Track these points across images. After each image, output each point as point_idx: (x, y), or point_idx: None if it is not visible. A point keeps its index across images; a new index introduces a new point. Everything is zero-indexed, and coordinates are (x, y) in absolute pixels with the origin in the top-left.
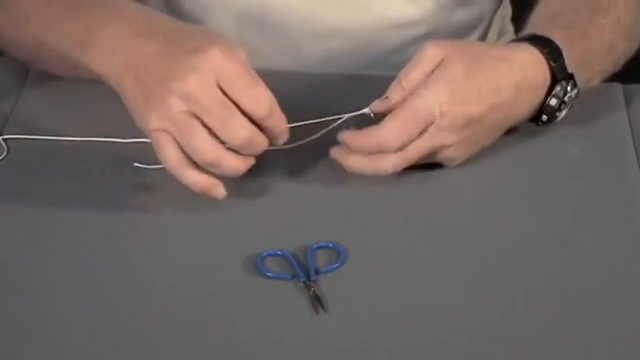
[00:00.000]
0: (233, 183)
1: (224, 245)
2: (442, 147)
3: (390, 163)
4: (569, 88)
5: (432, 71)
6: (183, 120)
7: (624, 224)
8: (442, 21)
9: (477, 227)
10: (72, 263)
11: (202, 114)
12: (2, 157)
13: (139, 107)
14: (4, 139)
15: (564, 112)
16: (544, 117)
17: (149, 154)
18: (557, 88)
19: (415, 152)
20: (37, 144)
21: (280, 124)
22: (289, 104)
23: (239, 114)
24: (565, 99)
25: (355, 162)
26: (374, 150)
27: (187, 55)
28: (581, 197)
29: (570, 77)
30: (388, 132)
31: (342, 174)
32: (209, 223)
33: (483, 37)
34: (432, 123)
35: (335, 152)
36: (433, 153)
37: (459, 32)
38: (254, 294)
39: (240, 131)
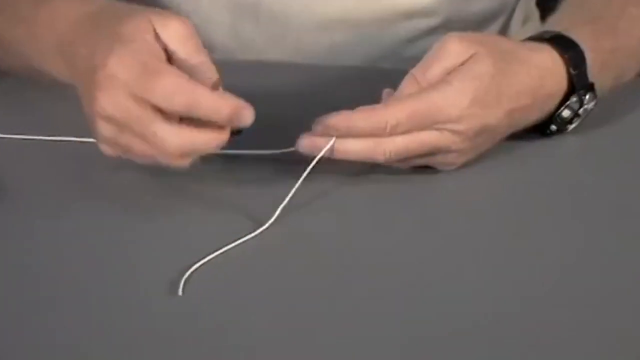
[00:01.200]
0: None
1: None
2: (446, 151)
3: (384, 149)
4: (586, 99)
5: (454, 68)
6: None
7: None
8: (459, 10)
9: (494, 230)
10: (34, 264)
11: (127, 132)
12: None
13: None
14: None
15: (575, 124)
16: (553, 127)
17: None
18: (573, 99)
19: (416, 144)
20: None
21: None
22: (290, 100)
23: (159, 122)
24: (580, 111)
25: (349, 145)
26: (367, 131)
27: (94, 75)
28: (608, 196)
29: (589, 88)
30: (391, 114)
31: (347, 178)
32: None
33: (505, 26)
34: (442, 122)
35: (314, 139)
36: (432, 154)
37: (478, 22)
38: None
39: (170, 141)
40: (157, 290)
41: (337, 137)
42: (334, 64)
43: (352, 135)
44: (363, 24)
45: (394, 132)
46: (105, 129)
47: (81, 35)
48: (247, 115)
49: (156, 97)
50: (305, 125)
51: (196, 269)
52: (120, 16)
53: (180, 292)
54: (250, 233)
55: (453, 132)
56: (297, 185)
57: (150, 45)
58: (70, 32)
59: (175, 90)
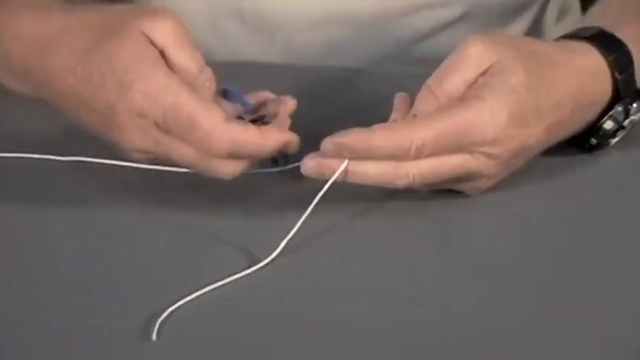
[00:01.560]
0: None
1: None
2: (478, 176)
3: (407, 172)
4: (633, 108)
5: (477, 78)
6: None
7: None
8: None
9: (530, 267)
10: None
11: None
12: None
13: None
14: None
15: (618, 138)
16: (593, 141)
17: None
18: (618, 108)
19: (445, 168)
20: None
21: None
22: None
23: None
24: (625, 123)
25: (367, 167)
26: (388, 152)
27: (112, 115)
28: None
29: (637, 95)
30: (416, 133)
31: (361, 206)
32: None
33: (537, 20)
34: (476, 144)
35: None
36: (461, 179)
37: (504, 14)
38: None
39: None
40: (131, 333)
41: (351, 159)
42: (331, 65)
43: (370, 157)
44: (365, 18)
45: (419, 154)
46: (139, 156)
47: (55, 62)
48: (293, 145)
49: (197, 144)
50: (300, 134)
51: (176, 310)
52: (105, 36)
53: (154, 337)
54: (244, 270)
55: (487, 155)
56: (303, 217)
57: (158, 71)
58: (29, 59)
59: (212, 137)
